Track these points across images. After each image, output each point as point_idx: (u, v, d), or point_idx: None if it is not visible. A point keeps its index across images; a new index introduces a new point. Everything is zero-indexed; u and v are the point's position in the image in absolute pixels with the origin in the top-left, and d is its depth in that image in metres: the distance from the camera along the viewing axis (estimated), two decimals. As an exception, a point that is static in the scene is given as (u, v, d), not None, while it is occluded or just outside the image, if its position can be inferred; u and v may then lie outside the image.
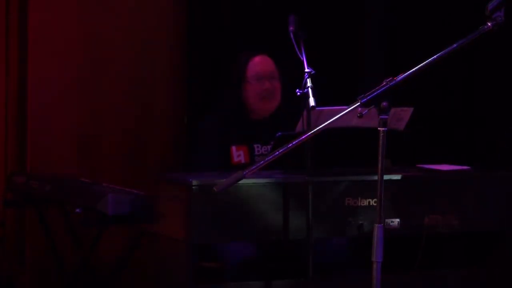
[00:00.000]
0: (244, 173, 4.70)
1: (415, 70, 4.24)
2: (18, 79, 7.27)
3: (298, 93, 5.50)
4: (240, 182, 4.77)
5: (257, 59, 6.24)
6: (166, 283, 5.71)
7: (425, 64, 4.25)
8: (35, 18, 7.15)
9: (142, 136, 7.26)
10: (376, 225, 4.19)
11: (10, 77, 7.35)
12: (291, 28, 5.73)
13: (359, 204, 5.61)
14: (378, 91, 4.21)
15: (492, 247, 5.96)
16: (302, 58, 5.59)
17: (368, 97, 4.22)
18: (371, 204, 5.46)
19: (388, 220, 5.23)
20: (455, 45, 4.24)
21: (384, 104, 4.21)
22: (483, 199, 5.90)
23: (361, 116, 4.28)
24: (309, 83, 5.51)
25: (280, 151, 4.54)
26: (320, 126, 4.47)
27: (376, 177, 4.21)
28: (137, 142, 7.25)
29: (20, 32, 7.24)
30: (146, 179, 6.33)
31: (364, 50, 7.57)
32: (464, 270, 5.89)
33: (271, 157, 4.61)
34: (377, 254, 4.19)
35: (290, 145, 4.50)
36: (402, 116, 5.66)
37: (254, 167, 4.78)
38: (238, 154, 6.13)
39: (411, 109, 5.67)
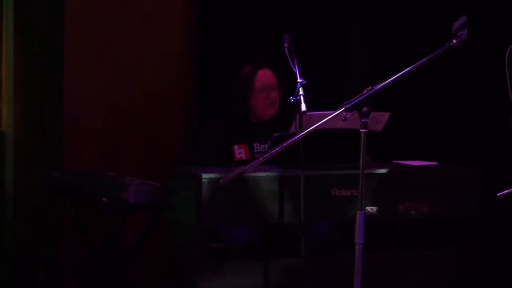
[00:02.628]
0: (246, 168, 4.72)
1: (391, 80, 4.27)
2: (54, 78, 7.25)
3: (292, 100, 5.51)
4: (242, 175, 4.80)
5: (262, 72, 6.23)
6: (179, 261, 5.71)
7: (400, 75, 4.27)
8: (71, 31, 7.14)
9: (158, 135, 7.24)
10: (358, 212, 4.22)
11: (48, 75, 7.35)
12: (285, 45, 5.75)
13: (343, 194, 5.61)
14: (360, 98, 4.24)
15: (460, 232, 5.97)
16: (295, 70, 5.61)
17: (351, 103, 4.24)
18: (353, 194, 5.45)
19: (368, 208, 5.23)
20: (425, 59, 4.26)
21: (365, 109, 4.23)
22: (448, 190, 5.90)
23: (345, 119, 4.31)
24: (301, 91, 5.53)
25: (276, 149, 4.57)
26: (311, 128, 4.50)
27: (358, 171, 4.23)
28: (154, 140, 7.22)
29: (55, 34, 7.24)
30: (161, 172, 6.31)
31: (350, 63, 7.54)
32: (435, 250, 5.88)
33: (268, 154, 4.64)
34: (359, 236, 4.21)
35: (285, 144, 4.53)
36: (380, 119, 5.67)
37: (254, 163, 4.80)
38: (239, 152, 6.12)
39: (388, 114, 5.67)
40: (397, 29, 7.03)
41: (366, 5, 7.31)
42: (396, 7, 7.10)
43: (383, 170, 5.76)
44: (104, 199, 5.97)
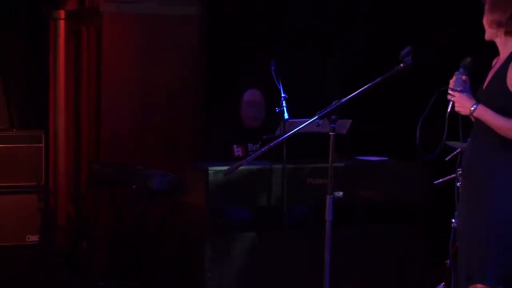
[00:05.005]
0: (242, 162, 4.68)
1: (354, 94, 4.23)
2: (95, 93, 7.26)
3: (277, 110, 5.52)
4: (239, 168, 4.77)
5: (249, 92, 6.24)
6: (191, 235, 5.69)
7: (360, 91, 4.23)
8: (106, 60, 7.14)
9: (176, 135, 7.19)
10: (328, 196, 4.18)
11: (90, 97, 7.34)
12: (272, 68, 5.74)
13: (317, 183, 5.61)
14: (329, 108, 4.21)
15: (407, 212, 5.94)
16: (279, 87, 5.62)
17: (323, 113, 4.21)
18: (324, 182, 5.44)
19: (336, 193, 5.20)
20: (379, 78, 4.22)
21: (333, 117, 4.21)
22: (397, 179, 5.89)
23: (318, 125, 4.29)
24: (284, 104, 5.56)
25: (265, 148, 4.53)
26: (292, 132, 4.46)
27: (328, 165, 4.20)
28: (173, 141, 7.18)
29: (96, 65, 7.25)
30: (179, 165, 6.26)
31: (327, 79, 7.46)
32: (388, 227, 5.86)
33: (259, 152, 4.60)
34: (328, 215, 4.17)
35: (272, 144, 4.49)
36: (345, 125, 5.65)
37: (248, 158, 4.77)
38: (237, 150, 6.09)
39: (350, 121, 5.66)
40: (359, 59, 6.97)
41: (341, 42, 7.22)
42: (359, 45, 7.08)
43: (347, 164, 5.75)
44: (133, 186, 5.95)
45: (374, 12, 6.97)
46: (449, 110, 3.96)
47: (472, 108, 3.84)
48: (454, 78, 3.94)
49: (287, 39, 7.11)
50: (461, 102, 3.88)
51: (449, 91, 3.92)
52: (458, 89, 3.90)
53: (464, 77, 3.93)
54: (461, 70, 3.94)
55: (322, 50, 7.22)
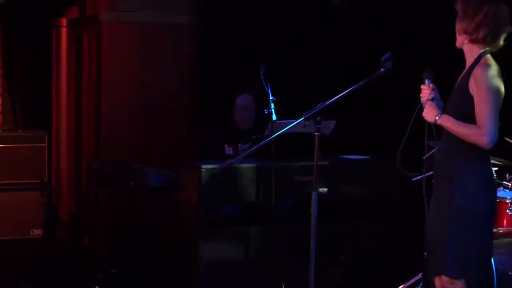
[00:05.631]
0: (233, 161, 4.68)
1: (337, 97, 4.23)
2: (95, 97, 7.24)
3: (266, 112, 5.51)
4: (230, 166, 4.76)
5: (241, 96, 6.24)
6: (186, 230, 5.67)
7: (343, 94, 4.23)
8: (105, 62, 7.12)
9: (172, 136, 7.18)
10: (313, 192, 4.18)
11: (90, 99, 7.32)
12: (262, 73, 5.74)
13: (303, 180, 5.59)
14: (314, 110, 4.21)
15: (386, 207, 5.93)
16: (268, 91, 5.62)
17: (308, 114, 4.21)
18: (310, 179, 5.39)
19: (320, 189, 5.18)
20: (361, 82, 4.22)
21: (318, 118, 4.21)
22: (378, 177, 5.88)
23: (304, 126, 4.28)
24: (272, 106, 5.55)
25: (254, 147, 4.52)
26: (279, 132, 4.46)
27: (313, 163, 4.19)
28: (169, 139, 7.18)
29: (97, 70, 7.23)
30: (174, 163, 6.25)
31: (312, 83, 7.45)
32: (369, 220, 5.85)
33: (249, 151, 4.59)
34: (313, 209, 4.17)
35: (261, 144, 4.49)
36: (329, 126, 5.64)
37: (239, 157, 4.76)
38: (229, 149, 6.08)
39: (334, 122, 5.65)
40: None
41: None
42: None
43: (331, 162, 5.73)
44: (131, 183, 5.93)
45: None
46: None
47: (437, 117, 3.92)
48: (422, 91, 3.99)
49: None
50: (427, 111, 3.96)
51: (423, 104, 4.00)
52: (430, 98, 3.97)
53: (431, 86, 4.00)
54: (426, 81, 4.01)
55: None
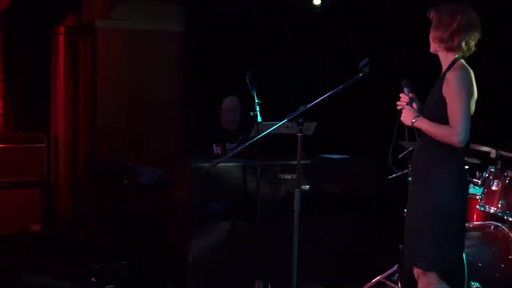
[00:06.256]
0: (221, 160, 4.66)
1: (318, 100, 4.22)
2: (91, 100, 7.21)
3: (252, 114, 5.50)
4: (218, 165, 4.74)
5: (228, 99, 6.21)
6: (178, 223, 5.65)
7: (324, 97, 4.22)
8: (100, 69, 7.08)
9: (163, 136, 7.17)
10: (296, 189, 4.17)
11: (86, 102, 7.30)
12: (247, 77, 5.73)
13: (286, 177, 5.58)
14: (297, 113, 4.20)
15: (364, 202, 5.93)
16: (253, 94, 5.59)
17: (291, 116, 4.20)
18: (293, 177, 5.43)
19: (303, 186, 5.18)
20: (341, 86, 4.22)
21: (300, 120, 4.20)
22: (356, 174, 5.88)
23: (287, 127, 4.26)
24: (257, 108, 5.53)
25: (241, 147, 4.51)
26: (264, 133, 4.44)
27: (296, 162, 4.19)
28: (160, 139, 7.16)
29: (92, 74, 7.18)
30: (166, 162, 6.22)
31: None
32: (348, 215, 5.85)
33: (236, 151, 4.57)
34: (296, 205, 4.16)
35: (247, 144, 4.47)
36: (310, 127, 5.63)
37: (226, 156, 4.74)
38: (217, 149, 6.07)
39: (315, 123, 5.65)
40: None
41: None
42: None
43: (313, 161, 5.73)
44: (125, 181, 5.91)
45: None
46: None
47: (413, 120, 3.94)
48: (401, 99, 4.01)
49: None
50: (405, 115, 3.99)
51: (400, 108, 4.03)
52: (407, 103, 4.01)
53: (410, 95, 4.02)
54: (405, 90, 4.02)
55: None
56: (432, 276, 3.91)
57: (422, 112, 3.99)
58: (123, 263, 5.83)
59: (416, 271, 4.01)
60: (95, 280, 5.82)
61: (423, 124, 3.92)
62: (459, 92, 3.82)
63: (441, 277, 3.90)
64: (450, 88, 3.83)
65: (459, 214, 3.96)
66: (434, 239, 3.88)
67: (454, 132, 3.80)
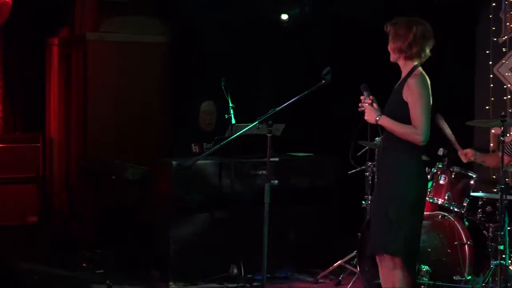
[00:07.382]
0: (199, 157, 4.62)
1: (286, 104, 4.20)
2: (82, 105, 7.15)
3: (226, 116, 5.48)
4: (197, 162, 4.70)
5: (205, 103, 6.17)
6: (161, 214, 5.60)
7: (291, 102, 4.20)
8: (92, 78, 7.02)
9: (147, 137, 7.11)
10: (266, 184, 4.14)
11: (78, 107, 7.24)
12: (222, 84, 5.71)
13: (257, 173, 5.58)
14: (267, 115, 4.17)
15: (326, 195, 5.92)
16: (228, 99, 5.58)
17: (262, 118, 4.18)
18: (263, 173, 5.40)
19: (272, 181, 5.13)
20: (306, 91, 4.20)
21: (269, 122, 4.17)
22: (320, 170, 5.88)
23: (258, 128, 4.23)
24: (232, 111, 5.51)
25: (217, 146, 4.48)
26: (238, 133, 4.41)
27: (266, 159, 4.16)
28: (145, 140, 7.09)
29: (83, 82, 7.12)
30: (149, 160, 6.16)
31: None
32: (312, 207, 5.84)
33: (212, 149, 4.54)
34: (266, 198, 4.13)
35: (222, 143, 4.44)
36: (279, 128, 5.61)
37: (204, 154, 4.70)
38: (195, 148, 6.03)
39: (283, 125, 5.62)
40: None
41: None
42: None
43: (281, 158, 5.71)
44: (113, 177, 5.87)
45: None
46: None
47: (377, 118, 3.92)
48: (362, 101, 3.98)
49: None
50: (368, 114, 3.96)
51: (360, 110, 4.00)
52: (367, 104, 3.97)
53: (371, 97, 3.98)
54: (365, 93, 3.99)
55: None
56: (397, 261, 3.87)
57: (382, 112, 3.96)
58: (111, 251, 5.80)
59: (379, 257, 3.97)
60: (86, 265, 5.78)
61: (386, 122, 3.90)
62: (421, 96, 3.82)
63: (404, 261, 3.87)
64: (413, 92, 3.83)
65: (419, 203, 3.95)
66: (400, 225, 3.84)
67: (417, 132, 3.81)
